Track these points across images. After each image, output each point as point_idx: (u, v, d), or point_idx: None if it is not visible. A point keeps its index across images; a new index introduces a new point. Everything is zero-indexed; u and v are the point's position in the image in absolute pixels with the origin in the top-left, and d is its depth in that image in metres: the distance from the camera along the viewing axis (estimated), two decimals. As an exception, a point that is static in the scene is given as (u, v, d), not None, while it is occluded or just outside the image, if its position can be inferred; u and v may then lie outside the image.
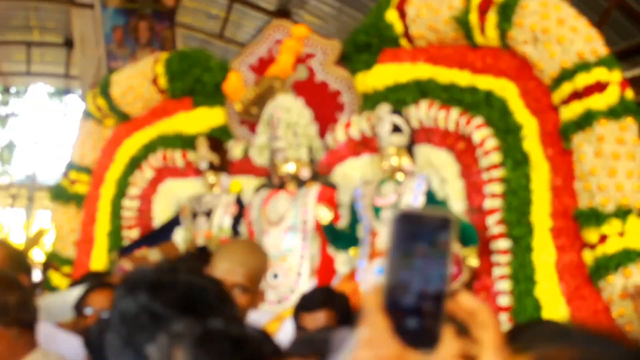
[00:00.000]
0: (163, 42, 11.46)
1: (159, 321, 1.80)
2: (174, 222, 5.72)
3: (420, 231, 0.93)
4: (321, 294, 3.66)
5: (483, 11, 4.31)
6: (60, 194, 6.23)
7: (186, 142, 5.78)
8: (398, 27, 4.79)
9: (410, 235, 0.94)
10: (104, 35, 11.11)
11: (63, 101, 20.37)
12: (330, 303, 3.47)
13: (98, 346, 2.88)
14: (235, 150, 5.64)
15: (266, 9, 12.63)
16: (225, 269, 2.73)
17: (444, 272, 0.91)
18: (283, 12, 12.26)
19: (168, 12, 11.54)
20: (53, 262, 6.16)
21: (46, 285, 6.09)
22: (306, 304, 3.50)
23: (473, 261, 4.24)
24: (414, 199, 4.58)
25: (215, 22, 13.85)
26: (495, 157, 4.33)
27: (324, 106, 5.17)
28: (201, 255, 4.76)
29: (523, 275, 4.09)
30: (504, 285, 4.19)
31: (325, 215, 4.79)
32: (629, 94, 3.96)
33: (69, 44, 14.11)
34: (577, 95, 3.98)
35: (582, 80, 3.95)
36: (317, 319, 3.40)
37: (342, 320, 3.40)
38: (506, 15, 4.21)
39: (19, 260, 3.63)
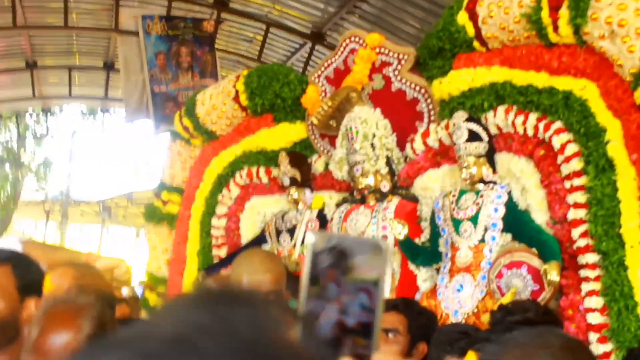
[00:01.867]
0: (204, 66, 11.72)
1: None
2: (259, 240, 5.63)
3: (338, 257, 0.89)
4: (397, 299, 3.59)
5: (555, 7, 3.99)
6: (153, 215, 6.28)
7: (270, 159, 5.71)
8: (470, 30, 4.54)
9: (324, 261, 0.89)
10: (147, 60, 11.44)
11: (97, 119, 20.78)
12: (402, 307, 3.32)
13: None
14: (317, 164, 5.51)
15: (301, 32, 12.59)
16: (252, 281, 2.77)
17: (368, 303, 0.87)
18: (318, 35, 12.29)
19: (208, 37, 11.76)
20: (148, 282, 6.19)
21: (144, 305, 6.13)
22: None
23: (554, 276, 3.89)
24: (494, 211, 4.32)
25: (250, 45, 13.98)
26: (577, 164, 3.99)
27: (402, 115, 4.98)
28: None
29: (620, 293, 3.72)
30: (595, 302, 3.83)
31: (400, 230, 4.55)
32: None
33: (108, 67, 14.56)
34: None
35: None
36: (386, 321, 3.22)
37: (413, 329, 3.27)
38: (579, 10, 3.86)
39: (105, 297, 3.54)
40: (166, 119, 11.44)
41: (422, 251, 4.65)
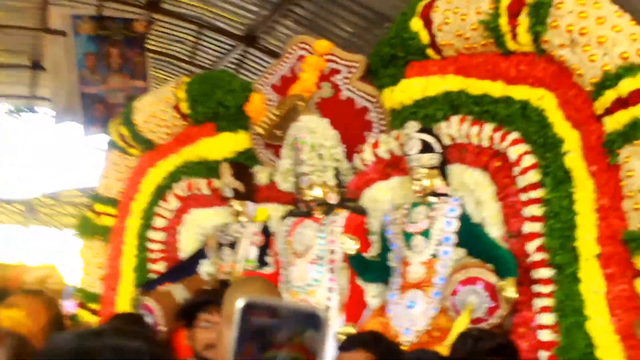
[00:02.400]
0: (134, 68, 11.66)
1: None
2: (199, 255, 5.39)
3: (259, 332, 0.85)
4: (364, 335, 3.49)
5: (514, 14, 3.89)
6: (86, 228, 5.99)
7: (211, 170, 5.48)
8: (424, 37, 4.41)
9: (246, 332, 0.85)
10: (77, 61, 11.25)
11: (23, 118, 20.28)
12: (369, 344, 3.23)
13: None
14: (260, 176, 5.31)
15: (234, 34, 12.61)
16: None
17: None
18: (251, 38, 12.33)
19: (139, 38, 11.71)
20: (81, 298, 5.90)
21: (75, 323, 5.83)
22: (344, 344, 3.36)
23: (511, 293, 3.78)
24: (447, 224, 4.19)
25: (182, 46, 14.03)
26: (534, 176, 3.90)
27: (351, 125, 4.82)
28: (221, 289, 4.39)
29: (571, 308, 3.64)
30: (547, 318, 3.73)
31: (351, 245, 4.39)
32: None
33: (35, 66, 14.30)
34: (622, 103, 3.50)
35: (628, 85, 3.47)
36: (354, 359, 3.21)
37: None
38: (539, 17, 3.77)
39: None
40: (96, 121, 11.39)
41: (372, 266, 4.49)
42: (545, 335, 3.72)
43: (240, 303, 0.87)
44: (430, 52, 4.44)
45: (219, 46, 13.52)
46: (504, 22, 3.95)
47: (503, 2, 3.93)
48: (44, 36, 12.21)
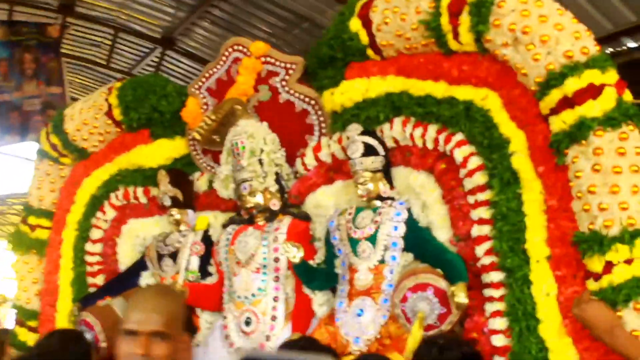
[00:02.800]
0: (49, 73, 11.52)
1: None
2: (139, 266, 5.21)
3: None
4: (298, 340, 3.55)
5: (454, 13, 3.81)
6: (19, 242, 5.74)
7: (148, 177, 5.31)
8: (363, 37, 4.31)
9: None
10: None
11: None
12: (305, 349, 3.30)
13: None
14: (200, 182, 5.17)
15: (151, 36, 12.62)
16: (139, 320, 2.55)
17: None
18: (168, 40, 12.42)
19: (53, 42, 11.53)
20: (18, 316, 5.67)
21: (13, 342, 5.62)
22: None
23: (462, 298, 3.71)
24: (393, 229, 4.12)
25: (99, 50, 14.01)
26: (480, 178, 3.83)
27: (291, 129, 4.70)
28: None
29: (522, 312, 3.58)
30: (499, 323, 3.67)
31: (295, 253, 4.28)
32: (628, 96, 3.43)
33: None
34: (568, 102, 3.45)
35: (573, 84, 3.42)
36: None
37: None
38: (481, 16, 3.70)
39: None
40: (12, 129, 11.04)
41: (318, 274, 4.39)
42: (499, 340, 3.65)
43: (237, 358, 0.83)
44: (370, 52, 4.35)
45: (136, 49, 13.54)
46: (445, 21, 3.87)
47: (443, 1, 3.85)
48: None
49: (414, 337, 3.66)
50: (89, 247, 5.48)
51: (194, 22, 11.36)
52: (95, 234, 5.48)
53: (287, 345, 3.61)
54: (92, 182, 5.55)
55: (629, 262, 3.28)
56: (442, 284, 3.76)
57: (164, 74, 12.16)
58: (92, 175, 5.56)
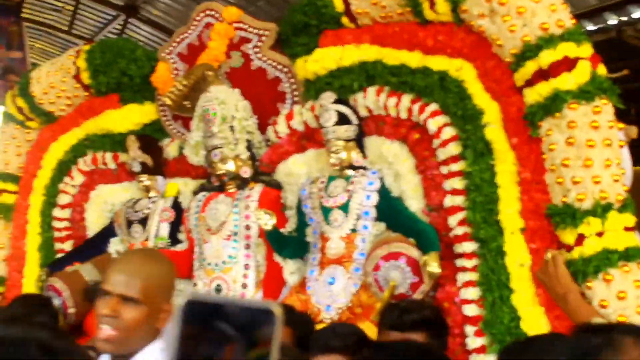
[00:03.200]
0: (10, 38, 11.32)
1: None
2: (108, 232, 5.17)
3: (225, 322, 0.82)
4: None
5: None
6: (-16, 207, 5.65)
7: (117, 143, 5.25)
8: (338, 5, 4.28)
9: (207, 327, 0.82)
10: None
11: None
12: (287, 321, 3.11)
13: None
14: (170, 149, 5.12)
15: (114, 3, 12.53)
16: (113, 281, 2.45)
17: None
18: (131, 7, 12.32)
19: (13, 6, 11.38)
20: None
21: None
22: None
23: (434, 267, 3.75)
24: (366, 198, 4.14)
25: (61, 15, 13.83)
26: (454, 148, 3.85)
27: (263, 96, 4.67)
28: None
29: (496, 282, 3.63)
30: (471, 293, 3.71)
31: (267, 220, 4.27)
32: (602, 70, 3.43)
33: None
34: (542, 74, 3.45)
35: (548, 57, 3.42)
36: None
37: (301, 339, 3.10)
38: None
39: None
40: None
41: (290, 242, 4.39)
42: (470, 310, 3.71)
43: (182, 300, 0.83)
44: (344, 20, 4.32)
45: (99, 16, 13.35)
46: None
47: None
48: None
49: (384, 304, 3.68)
50: (56, 212, 5.42)
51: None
52: (63, 199, 5.41)
53: None
54: (60, 147, 5.46)
55: (600, 234, 3.32)
56: (415, 253, 3.78)
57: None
58: (60, 139, 5.48)
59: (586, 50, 3.43)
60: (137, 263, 2.60)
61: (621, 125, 3.41)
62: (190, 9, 11.32)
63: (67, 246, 5.34)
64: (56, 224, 5.41)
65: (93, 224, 5.33)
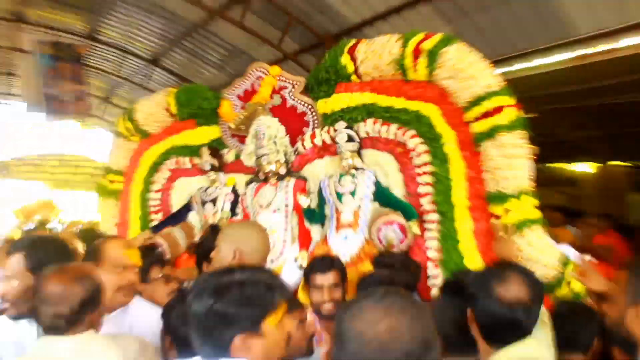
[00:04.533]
0: (78, 77, 11.60)
1: (224, 319, 1.56)
2: (187, 208, 5.19)
3: None
4: (330, 260, 3.50)
5: (416, 56, 3.95)
6: (103, 191, 5.62)
7: (192, 151, 5.26)
8: (350, 67, 4.38)
9: None
10: (40, 72, 11.12)
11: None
12: (337, 266, 3.41)
13: (175, 326, 2.45)
14: (228, 155, 5.17)
15: (143, 57, 12.56)
16: (249, 256, 2.55)
17: None
18: (155, 60, 12.42)
19: (80, 57, 11.68)
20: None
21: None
22: (320, 267, 3.39)
23: (415, 229, 3.95)
24: (367, 187, 4.27)
25: (109, 64, 13.95)
26: (425, 157, 4.01)
27: (295, 124, 4.74)
28: (213, 230, 4.31)
29: (449, 237, 3.82)
30: (433, 243, 3.91)
31: (305, 201, 4.43)
32: (521, 112, 3.67)
33: (9, 74, 14.16)
34: (485, 114, 3.67)
35: (489, 104, 3.65)
36: (329, 278, 3.36)
37: (343, 277, 3.41)
38: (433, 59, 3.87)
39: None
40: (54, 112, 11.10)
41: (315, 214, 4.51)
42: (431, 253, 3.88)
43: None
44: (354, 77, 4.41)
45: (136, 62, 13.16)
46: (408, 61, 3.99)
47: (408, 49, 3.97)
48: (16, 54, 12.12)
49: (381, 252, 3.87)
50: (151, 195, 5.40)
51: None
52: (155, 187, 5.40)
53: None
54: (152, 153, 5.43)
55: (519, 209, 3.58)
56: (402, 220, 3.96)
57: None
58: (152, 149, 5.45)
59: (512, 100, 3.64)
60: (258, 238, 2.82)
61: (530, 145, 3.64)
62: (194, 63, 11.37)
63: (159, 216, 5.34)
64: (151, 202, 5.39)
65: (176, 203, 5.35)
